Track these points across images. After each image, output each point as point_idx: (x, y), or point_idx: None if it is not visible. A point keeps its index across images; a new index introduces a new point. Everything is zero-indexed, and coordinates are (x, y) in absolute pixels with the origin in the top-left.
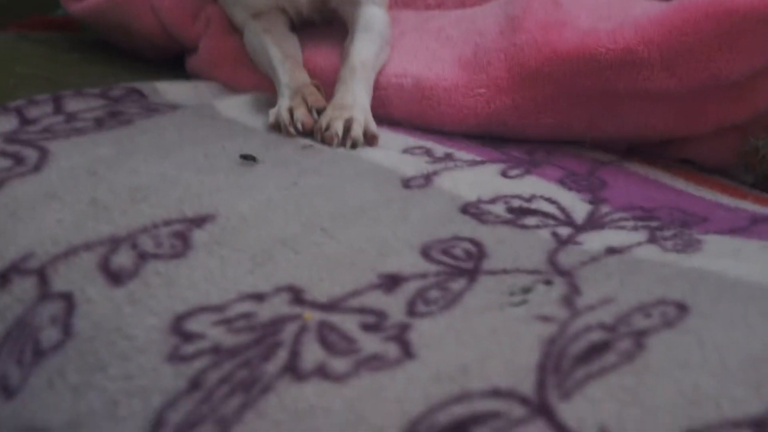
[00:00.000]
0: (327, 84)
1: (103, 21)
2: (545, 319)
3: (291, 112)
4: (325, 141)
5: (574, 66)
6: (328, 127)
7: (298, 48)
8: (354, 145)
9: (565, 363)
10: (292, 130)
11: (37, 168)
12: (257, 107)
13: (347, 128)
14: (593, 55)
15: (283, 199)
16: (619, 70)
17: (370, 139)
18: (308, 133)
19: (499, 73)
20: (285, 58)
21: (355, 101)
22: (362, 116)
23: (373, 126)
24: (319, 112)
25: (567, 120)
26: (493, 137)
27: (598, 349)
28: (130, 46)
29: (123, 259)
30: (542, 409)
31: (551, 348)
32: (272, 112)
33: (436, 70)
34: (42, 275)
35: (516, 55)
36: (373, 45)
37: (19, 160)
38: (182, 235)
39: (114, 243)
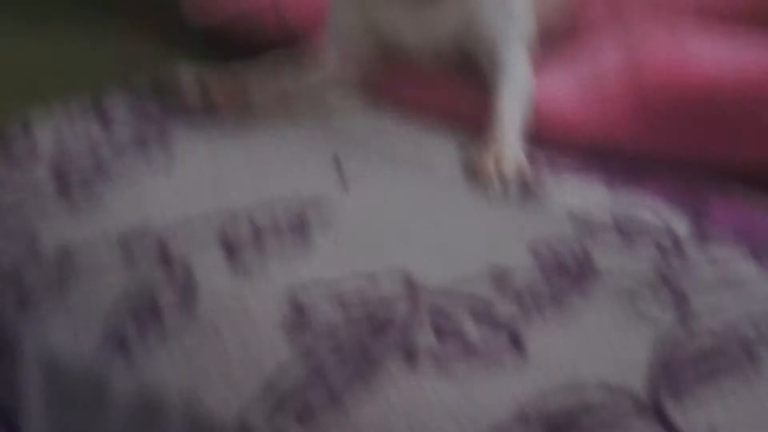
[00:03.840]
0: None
1: (229, 35)
2: (655, 321)
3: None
4: (479, 176)
5: (695, 95)
6: (480, 163)
7: None
8: (503, 181)
9: (676, 365)
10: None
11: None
12: (369, 105)
13: (499, 165)
14: (716, 88)
15: (396, 190)
16: (741, 104)
17: (521, 173)
18: None
19: (616, 89)
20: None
21: (506, 142)
22: (513, 155)
23: (524, 161)
24: None
25: (683, 148)
26: (597, 150)
27: (708, 354)
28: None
29: (241, 231)
30: (654, 407)
31: (662, 349)
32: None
33: (550, 89)
34: (161, 243)
35: (634, 76)
36: (517, 92)
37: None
38: (298, 214)
39: (231, 216)
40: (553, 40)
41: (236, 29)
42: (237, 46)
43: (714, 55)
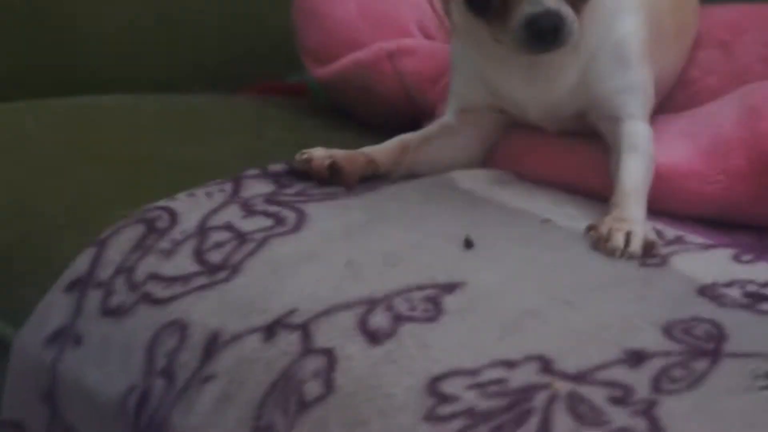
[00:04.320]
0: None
1: (345, 85)
2: None
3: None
4: (606, 252)
5: None
6: (608, 239)
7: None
8: (630, 257)
9: None
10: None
11: (296, 228)
12: (492, 180)
13: (627, 241)
14: None
15: (527, 272)
16: None
17: (648, 248)
18: None
19: (739, 161)
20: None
21: (632, 218)
22: (641, 230)
23: (652, 236)
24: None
25: None
26: (722, 222)
27: None
28: (365, 111)
29: (380, 319)
30: None
31: None
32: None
33: (674, 158)
34: (305, 331)
35: (756, 143)
36: (641, 166)
37: (279, 220)
38: (434, 300)
39: (371, 304)
40: (665, 96)
41: (353, 79)
42: (357, 101)
43: None
